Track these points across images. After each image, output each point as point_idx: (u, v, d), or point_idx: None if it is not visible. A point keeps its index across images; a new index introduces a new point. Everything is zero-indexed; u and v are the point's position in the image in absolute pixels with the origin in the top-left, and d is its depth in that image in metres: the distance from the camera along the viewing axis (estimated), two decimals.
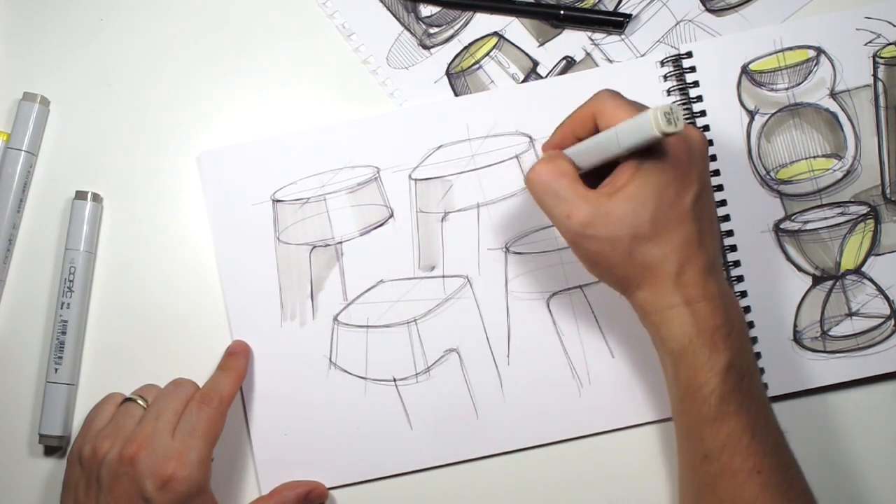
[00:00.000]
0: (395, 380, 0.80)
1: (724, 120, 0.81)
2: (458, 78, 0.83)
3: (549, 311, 0.80)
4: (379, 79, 0.83)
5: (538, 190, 0.69)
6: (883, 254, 0.80)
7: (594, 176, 0.69)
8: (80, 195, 0.81)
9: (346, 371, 0.80)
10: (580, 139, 0.70)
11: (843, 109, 0.81)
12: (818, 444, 0.79)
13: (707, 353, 0.66)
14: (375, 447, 0.79)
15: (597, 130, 0.69)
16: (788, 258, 0.80)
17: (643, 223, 0.66)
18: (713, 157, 0.80)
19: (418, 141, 0.82)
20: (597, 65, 0.83)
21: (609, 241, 0.67)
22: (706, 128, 0.80)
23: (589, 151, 0.68)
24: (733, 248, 0.79)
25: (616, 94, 0.70)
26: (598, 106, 0.69)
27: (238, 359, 0.78)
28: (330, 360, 0.80)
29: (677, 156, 0.66)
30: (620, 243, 0.66)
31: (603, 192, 0.67)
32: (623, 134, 0.65)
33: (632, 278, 0.68)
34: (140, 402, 0.74)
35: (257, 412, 0.79)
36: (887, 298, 0.79)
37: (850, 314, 0.79)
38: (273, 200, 0.81)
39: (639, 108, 0.68)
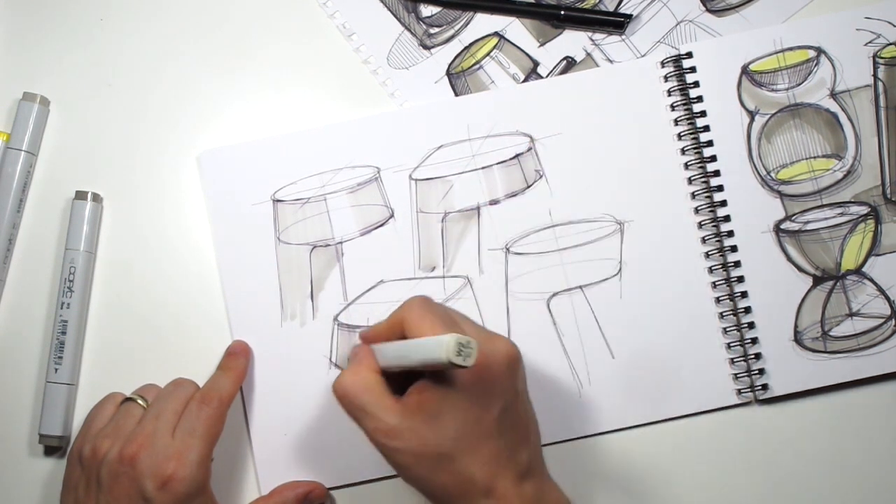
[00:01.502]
0: None
1: (725, 120, 0.81)
2: (459, 78, 0.83)
3: (550, 311, 0.80)
4: (379, 79, 0.83)
5: (345, 402, 0.68)
6: (883, 254, 0.80)
7: (405, 376, 0.68)
8: (80, 195, 0.81)
9: None
10: (389, 339, 0.70)
11: (844, 110, 0.81)
12: (818, 445, 0.79)
13: None
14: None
15: (405, 336, 0.69)
16: (789, 258, 0.80)
17: (445, 442, 0.65)
18: (713, 158, 0.80)
19: (419, 141, 0.82)
20: (597, 65, 0.83)
21: (413, 456, 0.66)
22: (706, 128, 0.80)
23: (389, 355, 0.68)
24: (734, 249, 0.79)
25: (428, 307, 0.68)
26: (406, 314, 0.68)
27: (238, 359, 0.78)
28: (330, 360, 0.80)
29: (478, 374, 0.65)
30: (424, 460, 0.66)
31: (409, 405, 0.66)
32: (416, 350, 0.65)
33: (441, 494, 0.67)
34: (140, 401, 0.74)
35: (257, 412, 0.79)
36: (888, 299, 0.79)
37: (851, 314, 0.79)
38: (273, 200, 0.81)
39: (447, 323, 0.67)
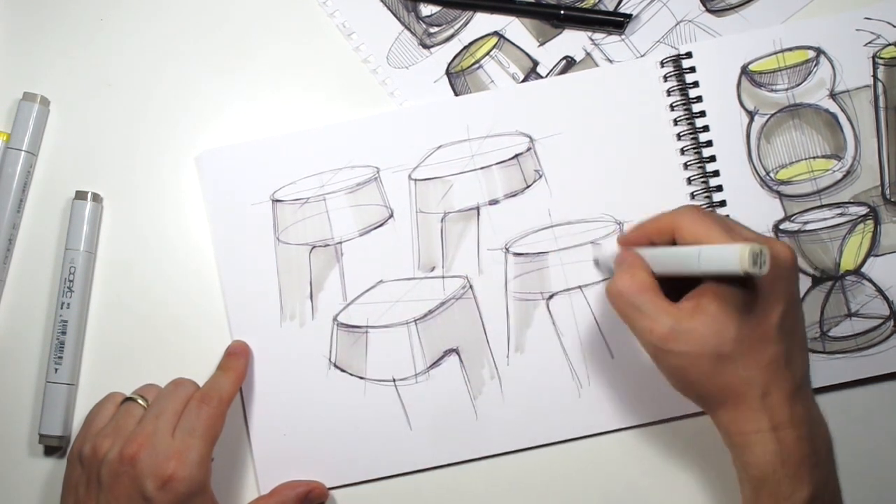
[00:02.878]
0: (394, 380, 0.80)
1: (724, 120, 0.81)
2: (458, 77, 0.83)
3: (549, 311, 0.80)
4: (379, 78, 0.83)
5: (620, 303, 0.68)
6: (882, 254, 0.80)
7: (671, 281, 0.68)
8: (80, 195, 0.81)
9: (345, 371, 0.80)
10: (654, 245, 0.70)
11: (843, 110, 0.81)
12: None
13: (791, 485, 0.65)
14: (375, 447, 0.79)
15: (673, 242, 0.68)
16: None
17: (726, 343, 0.64)
18: (713, 158, 0.80)
19: (418, 141, 0.82)
20: (597, 65, 0.83)
21: (691, 358, 0.65)
22: (706, 128, 0.80)
23: (667, 262, 0.67)
24: None
25: (702, 214, 0.68)
26: (680, 221, 0.68)
27: (238, 359, 0.79)
28: (329, 360, 0.80)
29: (763, 277, 0.64)
30: (702, 361, 0.65)
31: (685, 308, 0.65)
32: (706, 259, 0.64)
33: (714, 397, 0.66)
34: (140, 401, 0.74)
35: (257, 412, 0.79)
36: (887, 299, 0.79)
37: (850, 315, 0.79)
38: (273, 200, 0.81)
39: (725, 230, 0.66)
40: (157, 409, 0.73)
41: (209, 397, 0.74)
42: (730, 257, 0.61)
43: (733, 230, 0.66)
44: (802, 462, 0.65)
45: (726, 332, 0.64)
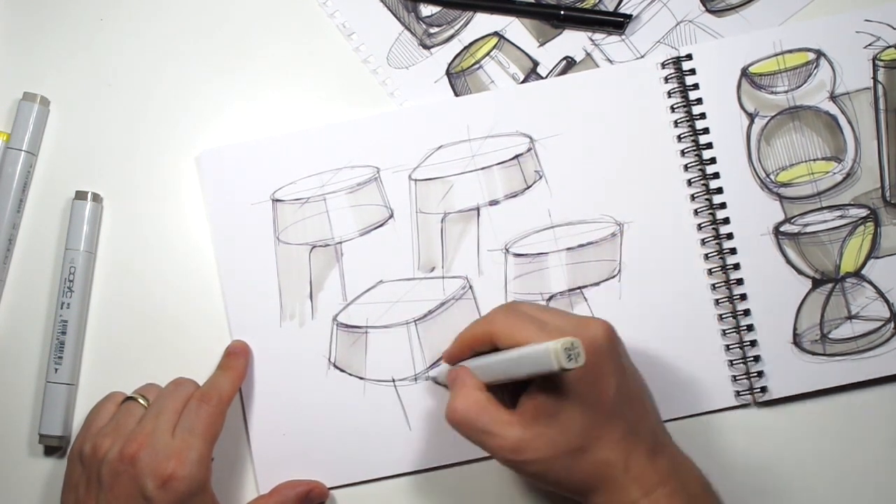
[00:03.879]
0: (394, 380, 0.80)
1: (724, 122, 0.80)
2: (459, 78, 0.83)
3: None
4: (379, 78, 0.83)
5: (463, 429, 0.68)
6: (883, 256, 0.80)
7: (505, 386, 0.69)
8: (80, 195, 0.81)
9: (345, 371, 0.80)
10: (478, 354, 0.71)
11: (843, 112, 0.81)
12: (817, 447, 0.79)
13: None
14: (374, 447, 0.79)
15: (495, 348, 0.69)
16: (788, 261, 0.79)
17: (574, 438, 0.66)
18: (713, 160, 0.80)
19: (418, 141, 0.81)
20: (597, 65, 0.83)
21: (548, 462, 0.67)
22: (706, 130, 0.80)
23: (491, 371, 0.69)
24: (733, 251, 0.79)
25: (513, 312, 0.69)
26: (493, 325, 0.69)
27: (237, 358, 0.79)
28: (329, 360, 0.80)
29: (586, 364, 0.64)
30: (559, 461, 0.67)
31: (526, 415, 0.67)
32: (524, 363, 0.65)
33: (583, 486, 0.68)
34: (141, 401, 0.75)
35: (256, 412, 0.79)
36: (887, 301, 0.79)
37: (850, 317, 0.79)
38: (273, 200, 0.81)
39: (537, 327, 0.67)
40: (157, 409, 0.73)
41: (209, 396, 0.74)
42: (544, 359, 0.62)
43: (545, 323, 0.68)
44: None
45: (571, 427, 0.66)
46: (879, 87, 0.81)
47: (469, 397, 0.68)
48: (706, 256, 0.79)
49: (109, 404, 0.76)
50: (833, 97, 0.81)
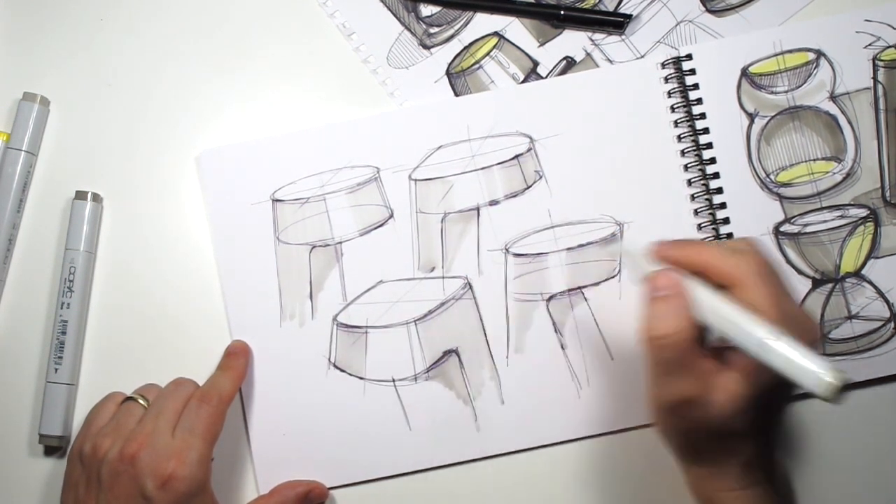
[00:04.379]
0: (394, 380, 0.80)
1: (724, 122, 0.80)
2: (459, 78, 0.83)
3: (549, 312, 0.80)
4: (379, 78, 0.83)
5: (661, 353, 0.64)
6: (883, 256, 0.80)
7: None
8: (80, 195, 0.81)
9: (345, 371, 0.80)
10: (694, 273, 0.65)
11: (843, 112, 0.81)
12: (818, 447, 0.79)
13: None
14: (374, 448, 0.79)
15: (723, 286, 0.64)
16: (788, 261, 0.80)
17: (738, 422, 0.64)
18: (713, 160, 0.80)
19: (418, 141, 0.81)
20: (597, 65, 0.83)
21: (699, 425, 0.65)
22: (706, 130, 0.80)
23: (720, 323, 0.63)
24: None
25: (766, 270, 0.64)
26: (742, 274, 0.63)
27: (238, 358, 0.79)
28: (329, 360, 0.80)
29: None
30: (710, 431, 0.65)
31: (715, 376, 0.63)
32: (775, 355, 0.60)
33: (703, 457, 0.68)
34: (141, 401, 0.75)
35: (256, 412, 0.79)
36: (887, 301, 0.79)
37: (850, 317, 0.79)
38: (273, 200, 0.81)
39: (781, 308, 0.62)
40: (157, 409, 0.73)
41: (209, 396, 0.74)
42: (810, 379, 0.59)
43: (787, 313, 0.63)
44: None
45: (742, 413, 0.64)
46: (879, 87, 0.81)
47: (681, 326, 0.63)
48: None
49: (109, 404, 0.76)
50: (833, 97, 0.81)
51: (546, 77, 0.83)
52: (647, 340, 0.64)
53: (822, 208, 0.80)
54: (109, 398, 0.77)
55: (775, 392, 0.65)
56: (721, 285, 0.64)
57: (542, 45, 0.84)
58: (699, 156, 0.80)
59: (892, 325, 0.79)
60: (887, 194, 0.80)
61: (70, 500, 0.73)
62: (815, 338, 0.64)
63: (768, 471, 0.68)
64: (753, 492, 0.67)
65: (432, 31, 0.84)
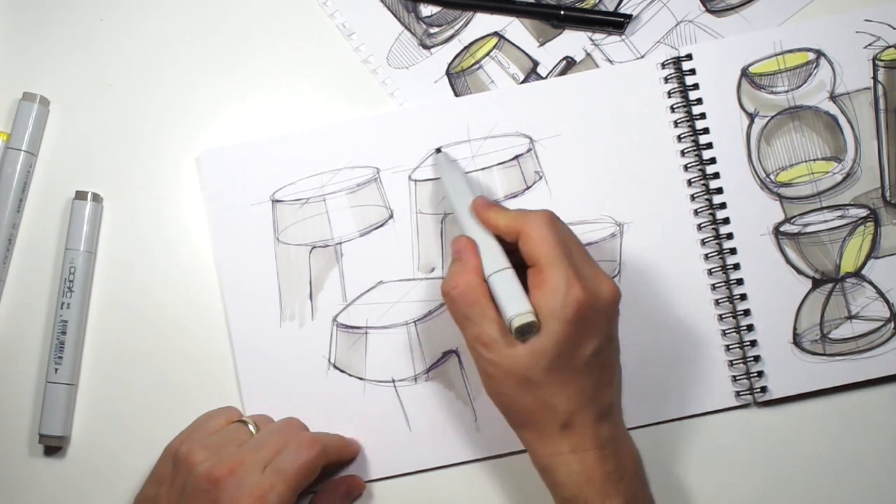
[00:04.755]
0: (393, 381, 0.80)
1: (724, 122, 0.80)
2: (459, 78, 0.83)
3: None
4: (379, 78, 0.83)
5: (452, 306, 0.71)
6: (882, 257, 0.80)
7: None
8: (80, 195, 0.81)
9: (344, 372, 0.80)
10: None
11: (843, 112, 0.81)
12: (817, 447, 0.79)
13: (599, 500, 0.68)
14: (374, 448, 0.79)
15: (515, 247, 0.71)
16: (788, 261, 0.79)
17: (536, 370, 0.67)
18: (713, 160, 0.80)
19: (418, 141, 0.81)
20: (597, 65, 0.83)
21: (505, 372, 0.68)
22: (706, 130, 0.80)
23: (489, 276, 0.70)
24: (733, 251, 0.79)
25: (551, 224, 0.70)
26: (528, 228, 0.69)
27: (354, 444, 0.79)
28: (329, 360, 0.80)
29: (580, 312, 0.67)
30: (514, 379, 0.68)
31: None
32: (499, 298, 0.69)
33: (523, 414, 0.70)
34: (251, 427, 0.75)
35: (256, 412, 0.79)
36: (887, 301, 0.79)
37: (850, 317, 0.79)
38: (272, 200, 0.81)
39: (562, 254, 0.68)
40: (259, 442, 0.73)
41: (314, 443, 0.73)
42: (506, 311, 0.67)
43: (573, 262, 0.69)
44: (608, 478, 0.69)
45: (539, 360, 0.67)
46: (879, 87, 0.81)
47: (472, 281, 0.70)
48: (706, 256, 0.79)
49: (221, 418, 0.77)
50: (833, 97, 0.81)
51: (546, 77, 0.83)
52: (443, 295, 0.71)
53: (822, 208, 0.80)
54: (224, 412, 0.78)
55: (568, 345, 0.67)
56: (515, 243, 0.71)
57: (542, 45, 0.84)
58: (699, 156, 0.80)
59: (892, 325, 0.79)
60: (887, 194, 0.80)
61: (151, 491, 0.74)
62: (601, 292, 0.69)
63: (601, 437, 0.69)
64: (582, 457, 0.68)
65: (432, 31, 0.84)
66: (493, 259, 0.70)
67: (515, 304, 0.67)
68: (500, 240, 0.72)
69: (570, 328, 0.66)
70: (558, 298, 0.66)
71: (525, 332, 0.66)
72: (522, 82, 0.83)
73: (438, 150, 0.81)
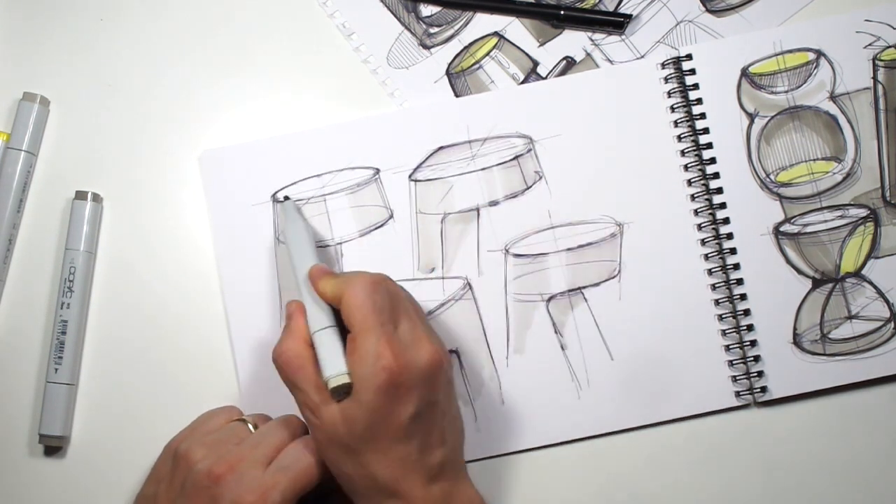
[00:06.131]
0: None
1: (724, 122, 0.80)
2: (459, 78, 0.83)
3: (549, 313, 0.80)
4: (379, 78, 0.83)
5: (280, 372, 0.70)
6: (882, 257, 0.80)
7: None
8: (80, 195, 0.81)
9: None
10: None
11: (843, 112, 0.81)
12: (817, 447, 0.79)
13: None
14: None
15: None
16: (788, 261, 0.79)
17: (353, 439, 0.67)
18: (713, 160, 0.80)
19: (418, 142, 0.81)
20: (597, 65, 0.83)
21: (327, 440, 0.68)
22: (706, 130, 0.80)
23: (312, 335, 0.70)
24: (733, 251, 0.79)
25: (372, 289, 0.69)
26: (348, 293, 0.69)
27: None
28: None
29: (391, 380, 0.66)
30: (335, 447, 0.68)
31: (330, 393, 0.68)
32: (318, 351, 0.69)
33: (348, 482, 0.69)
34: (250, 426, 0.75)
35: (256, 412, 0.79)
36: (887, 301, 0.79)
37: (850, 317, 0.79)
38: (273, 201, 0.81)
39: (383, 320, 0.68)
40: (258, 439, 0.72)
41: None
42: (324, 371, 0.68)
43: (391, 322, 0.69)
44: None
45: (355, 428, 0.67)
46: (879, 87, 0.81)
47: (297, 347, 0.70)
48: (706, 256, 0.80)
49: (221, 417, 0.76)
50: (833, 97, 0.81)
51: (546, 77, 0.83)
52: (272, 360, 0.71)
53: (822, 208, 0.80)
54: (224, 411, 0.77)
55: (381, 413, 0.67)
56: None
57: (542, 45, 0.84)
58: (699, 156, 0.80)
59: (892, 325, 0.79)
60: (887, 194, 0.80)
61: (151, 489, 0.73)
62: (418, 359, 0.68)
63: (432, 499, 0.68)
64: None
65: (432, 31, 0.84)
66: (317, 318, 0.70)
67: (331, 365, 0.67)
68: None
69: (380, 396, 0.66)
70: (367, 367, 0.66)
71: (341, 392, 0.67)
72: (522, 82, 0.83)
73: (286, 199, 0.81)
